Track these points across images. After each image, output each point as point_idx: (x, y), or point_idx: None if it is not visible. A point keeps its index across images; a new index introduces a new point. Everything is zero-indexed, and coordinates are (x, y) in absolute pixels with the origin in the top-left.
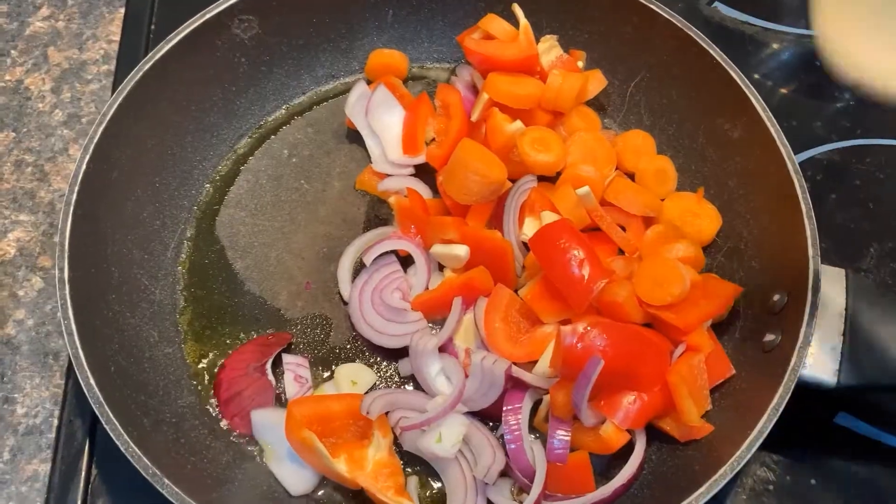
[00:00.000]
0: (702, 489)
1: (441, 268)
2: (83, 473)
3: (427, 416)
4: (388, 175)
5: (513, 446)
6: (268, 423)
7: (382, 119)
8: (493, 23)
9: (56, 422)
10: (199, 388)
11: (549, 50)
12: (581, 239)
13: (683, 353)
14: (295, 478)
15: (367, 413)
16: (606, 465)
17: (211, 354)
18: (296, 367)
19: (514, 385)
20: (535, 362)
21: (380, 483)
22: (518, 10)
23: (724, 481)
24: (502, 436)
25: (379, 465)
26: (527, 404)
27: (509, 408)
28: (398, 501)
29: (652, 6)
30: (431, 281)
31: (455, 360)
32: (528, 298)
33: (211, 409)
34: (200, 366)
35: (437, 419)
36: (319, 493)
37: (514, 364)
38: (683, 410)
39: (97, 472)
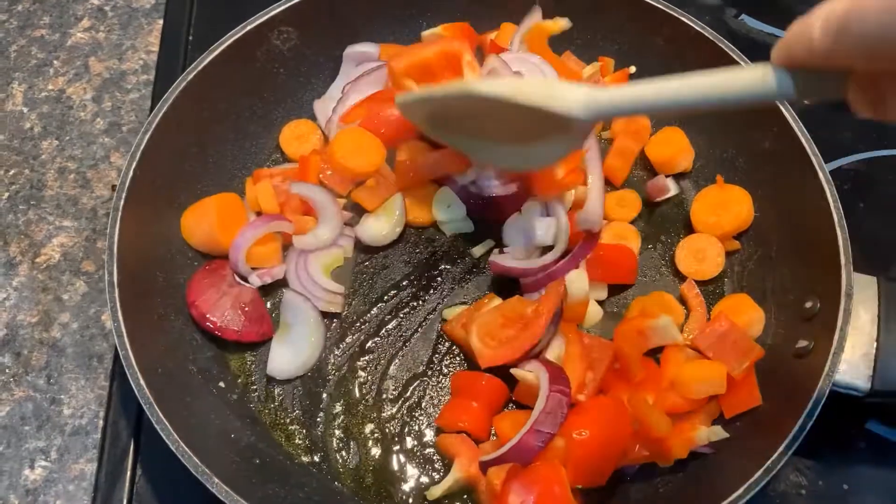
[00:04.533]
0: (737, 493)
1: None
2: (128, 473)
3: None
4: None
5: None
6: (295, 305)
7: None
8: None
9: (101, 423)
10: (241, 389)
11: (591, 75)
12: None
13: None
14: (283, 362)
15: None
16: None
17: (250, 357)
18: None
19: None
20: None
21: None
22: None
23: (759, 486)
24: None
25: None
26: None
27: None
28: None
29: (683, 18)
30: None
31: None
32: None
33: (252, 406)
34: (242, 368)
35: None
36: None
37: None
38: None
39: (142, 471)
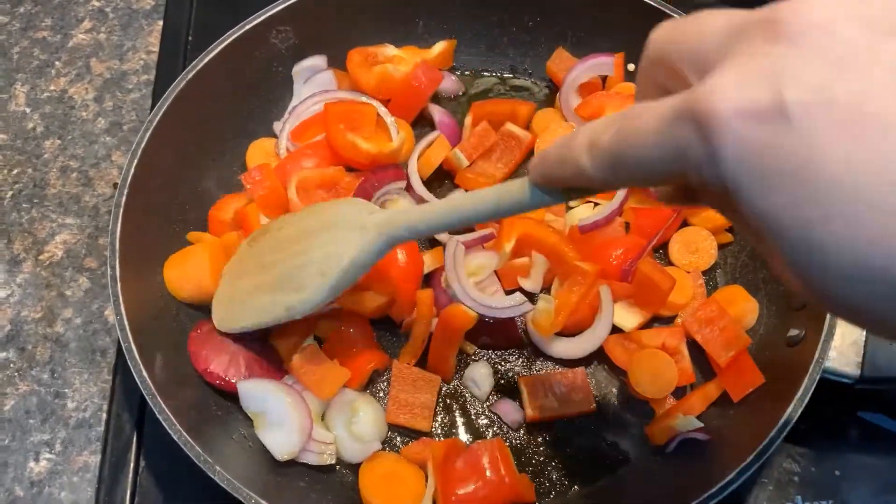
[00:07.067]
0: (729, 477)
1: None
2: (132, 464)
3: None
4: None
5: None
6: (255, 392)
7: (303, 93)
8: None
9: (105, 415)
10: None
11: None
12: None
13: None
14: (280, 443)
15: None
16: None
17: None
18: None
19: None
20: None
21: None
22: None
23: (750, 471)
24: None
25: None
26: None
27: None
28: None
29: (673, 15)
30: None
31: None
32: None
33: None
34: None
35: None
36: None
37: None
38: None
39: (145, 462)
